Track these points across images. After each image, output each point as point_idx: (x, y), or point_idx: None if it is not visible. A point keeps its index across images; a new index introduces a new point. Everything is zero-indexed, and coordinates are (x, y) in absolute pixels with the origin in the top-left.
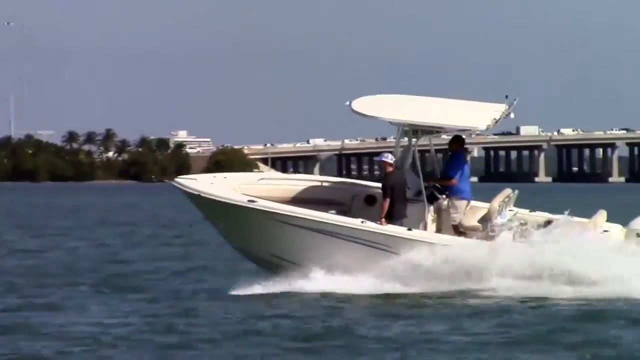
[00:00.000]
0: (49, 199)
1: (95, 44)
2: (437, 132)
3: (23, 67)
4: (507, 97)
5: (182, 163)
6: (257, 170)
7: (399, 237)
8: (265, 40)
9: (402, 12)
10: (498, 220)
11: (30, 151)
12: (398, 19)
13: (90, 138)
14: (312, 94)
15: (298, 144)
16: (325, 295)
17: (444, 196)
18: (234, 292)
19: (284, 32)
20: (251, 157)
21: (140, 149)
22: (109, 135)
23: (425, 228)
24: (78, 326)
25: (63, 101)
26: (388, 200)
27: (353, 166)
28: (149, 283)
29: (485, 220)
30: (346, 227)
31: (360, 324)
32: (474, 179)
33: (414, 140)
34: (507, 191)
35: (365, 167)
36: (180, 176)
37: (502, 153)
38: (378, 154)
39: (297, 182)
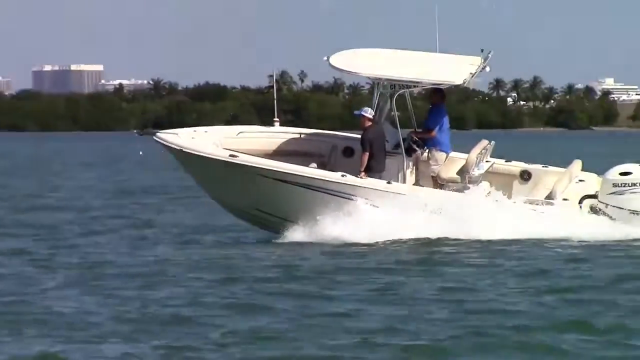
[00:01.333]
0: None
1: None
2: (414, 86)
3: None
4: (482, 50)
5: (609, 110)
6: None
7: (381, 190)
8: None
9: None
10: (475, 171)
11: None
12: None
13: (516, 85)
14: None
15: None
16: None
17: (423, 149)
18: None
19: None
20: None
21: (567, 97)
22: (535, 83)
23: (404, 180)
24: None
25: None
26: (367, 154)
27: None
28: None
29: (463, 171)
30: (327, 181)
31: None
32: None
33: (391, 94)
34: (484, 142)
35: None
36: (162, 131)
37: None
38: None
39: (277, 135)
